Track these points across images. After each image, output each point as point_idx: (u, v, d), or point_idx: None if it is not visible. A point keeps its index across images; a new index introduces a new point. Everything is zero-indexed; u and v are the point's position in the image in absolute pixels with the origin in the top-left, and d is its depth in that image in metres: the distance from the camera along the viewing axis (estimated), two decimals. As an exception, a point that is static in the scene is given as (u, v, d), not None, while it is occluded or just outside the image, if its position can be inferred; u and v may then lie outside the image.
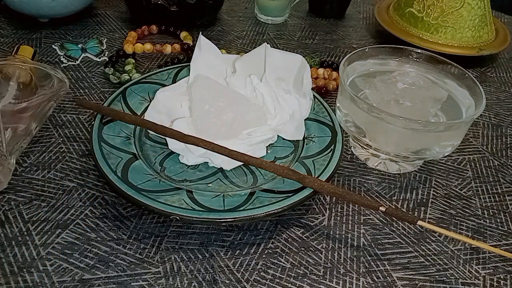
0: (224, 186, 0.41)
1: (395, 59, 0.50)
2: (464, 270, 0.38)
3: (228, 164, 0.42)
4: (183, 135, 0.40)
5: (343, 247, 0.39)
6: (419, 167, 0.48)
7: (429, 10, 0.67)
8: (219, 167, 0.42)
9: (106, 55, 0.61)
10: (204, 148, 0.40)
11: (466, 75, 0.47)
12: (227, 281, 0.35)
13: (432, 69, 0.49)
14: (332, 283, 0.36)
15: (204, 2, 0.66)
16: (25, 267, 0.35)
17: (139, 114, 0.46)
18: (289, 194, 0.38)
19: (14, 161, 0.40)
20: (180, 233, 0.39)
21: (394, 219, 0.42)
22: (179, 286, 0.35)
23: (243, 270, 0.36)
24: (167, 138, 0.43)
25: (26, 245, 0.36)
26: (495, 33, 0.71)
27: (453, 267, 0.38)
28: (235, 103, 0.44)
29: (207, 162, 0.43)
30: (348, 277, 0.37)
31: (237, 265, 0.37)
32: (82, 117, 0.50)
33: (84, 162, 0.44)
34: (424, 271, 0.38)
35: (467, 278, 0.37)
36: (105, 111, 0.44)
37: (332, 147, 0.43)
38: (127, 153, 0.41)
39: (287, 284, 0.36)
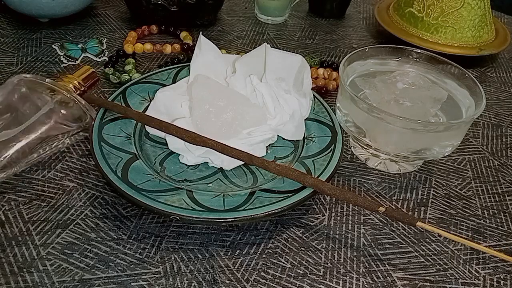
0: (224, 186, 0.41)
1: (395, 59, 0.50)
2: (464, 270, 0.38)
3: (228, 164, 0.42)
4: (195, 134, 0.41)
5: (343, 247, 0.39)
6: (419, 167, 0.48)
7: (429, 10, 0.67)
8: (219, 167, 0.42)
9: (106, 55, 0.61)
10: (211, 148, 0.40)
11: (466, 75, 0.47)
12: (227, 281, 0.35)
13: (432, 69, 0.49)
14: (332, 283, 0.36)
15: (204, 2, 0.66)
16: (25, 267, 0.35)
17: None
18: (289, 194, 0.38)
19: None
20: (180, 233, 0.39)
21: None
22: (179, 286, 0.35)
23: (243, 270, 0.36)
24: (167, 138, 0.43)
25: (26, 245, 0.36)
26: (495, 33, 0.71)
27: (453, 267, 0.38)
28: (235, 102, 0.44)
29: (207, 162, 0.43)
30: (348, 277, 0.37)
31: (237, 265, 0.37)
32: (82, 117, 0.50)
33: (84, 162, 0.44)
34: (424, 271, 0.38)
35: (467, 278, 0.37)
36: (113, 108, 0.44)
37: (332, 147, 0.43)
38: (127, 153, 0.41)
39: (287, 284, 0.36)
